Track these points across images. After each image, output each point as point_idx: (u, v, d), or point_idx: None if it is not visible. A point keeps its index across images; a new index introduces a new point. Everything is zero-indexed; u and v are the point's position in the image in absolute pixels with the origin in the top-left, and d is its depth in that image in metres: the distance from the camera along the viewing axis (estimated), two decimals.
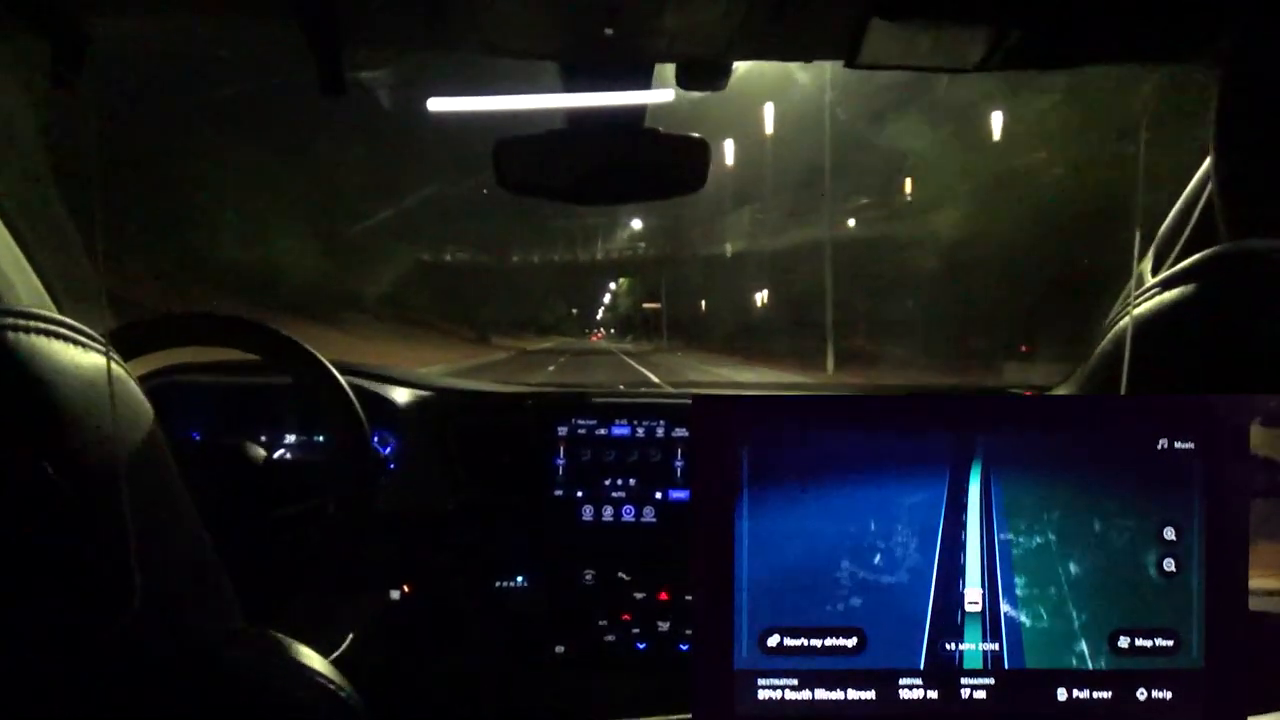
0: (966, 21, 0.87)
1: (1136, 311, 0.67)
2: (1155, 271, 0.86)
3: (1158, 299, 0.67)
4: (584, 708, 1.46)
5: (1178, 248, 0.90)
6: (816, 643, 0.57)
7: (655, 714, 1.33)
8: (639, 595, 1.46)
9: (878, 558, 0.57)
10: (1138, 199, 0.75)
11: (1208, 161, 0.87)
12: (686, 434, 1.50)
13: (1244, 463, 0.56)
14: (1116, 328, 0.71)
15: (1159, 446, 0.56)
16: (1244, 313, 0.62)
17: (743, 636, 0.57)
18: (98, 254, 0.59)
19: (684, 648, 1.44)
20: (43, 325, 0.48)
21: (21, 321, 0.47)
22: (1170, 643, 0.56)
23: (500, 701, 1.48)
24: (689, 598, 1.43)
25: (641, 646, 1.45)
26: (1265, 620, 0.59)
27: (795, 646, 0.57)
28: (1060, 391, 1.21)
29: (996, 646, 0.57)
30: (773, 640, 0.57)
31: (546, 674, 1.47)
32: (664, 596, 1.46)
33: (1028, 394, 1.44)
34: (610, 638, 1.46)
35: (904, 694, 0.57)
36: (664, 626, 1.45)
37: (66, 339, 0.49)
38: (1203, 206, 0.89)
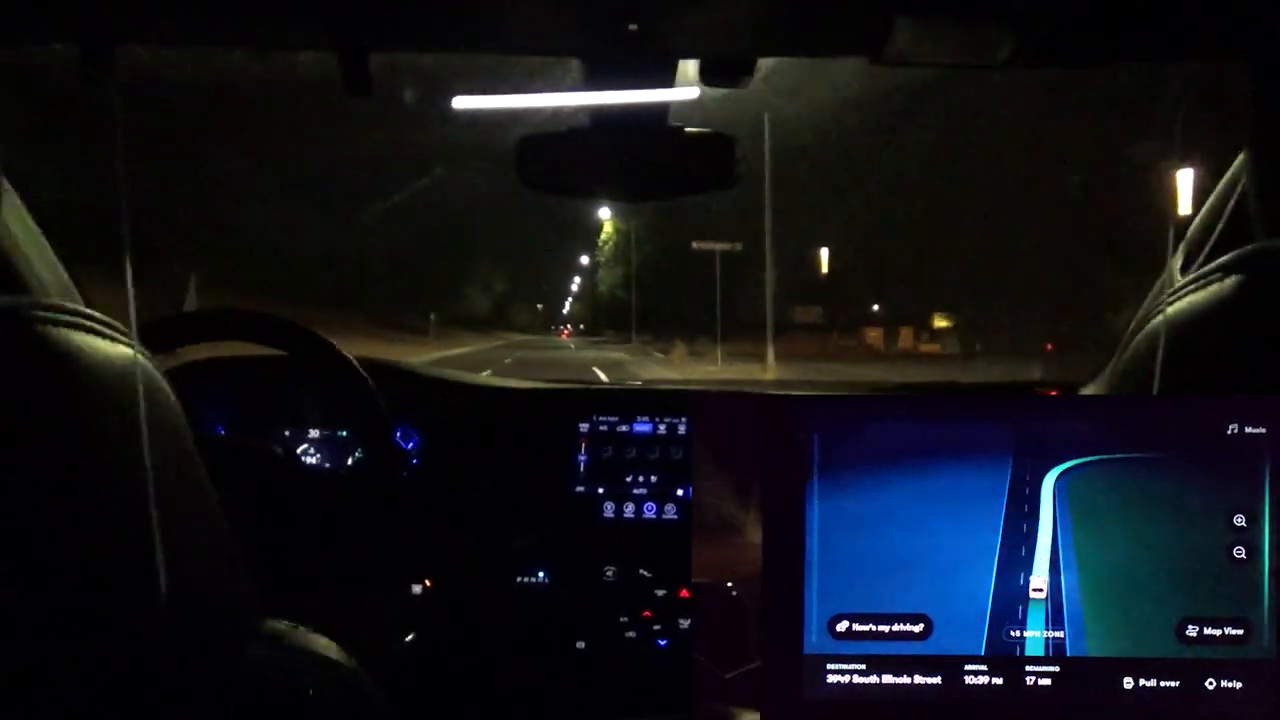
0: (993, 18, 0.86)
1: (1169, 310, 0.67)
2: (1185, 269, 0.86)
3: (1190, 297, 0.67)
4: (605, 704, 1.45)
5: (1209, 246, 0.90)
6: (884, 628, 0.57)
7: (676, 711, 1.33)
8: (660, 592, 1.46)
9: (942, 546, 0.57)
10: (1173, 197, 0.75)
11: (1240, 158, 0.87)
12: None
13: None
14: (1148, 326, 0.71)
15: (1229, 432, 0.56)
16: (1277, 312, 0.62)
17: (813, 622, 0.57)
18: (125, 249, 0.59)
19: None
20: (72, 318, 0.48)
21: (51, 315, 0.47)
22: (1240, 631, 0.56)
23: (520, 698, 1.48)
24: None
25: (663, 644, 1.45)
26: None
27: (864, 632, 0.57)
28: (1089, 390, 1.21)
29: (1061, 634, 0.57)
30: (841, 626, 0.57)
31: (567, 670, 1.47)
32: (685, 594, 1.46)
33: (1053, 393, 1.44)
34: (631, 634, 1.46)
35: (969, 680, 0.57)
36: (685, 624, 1.45)
37: (95, 332, 0.49)
38: (1234, 203, 0.89)
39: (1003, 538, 0.57)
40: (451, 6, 0.90)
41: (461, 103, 1.22)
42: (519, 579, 1.49)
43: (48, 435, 0.45)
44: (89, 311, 0.49)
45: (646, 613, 1.46)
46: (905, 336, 30.43)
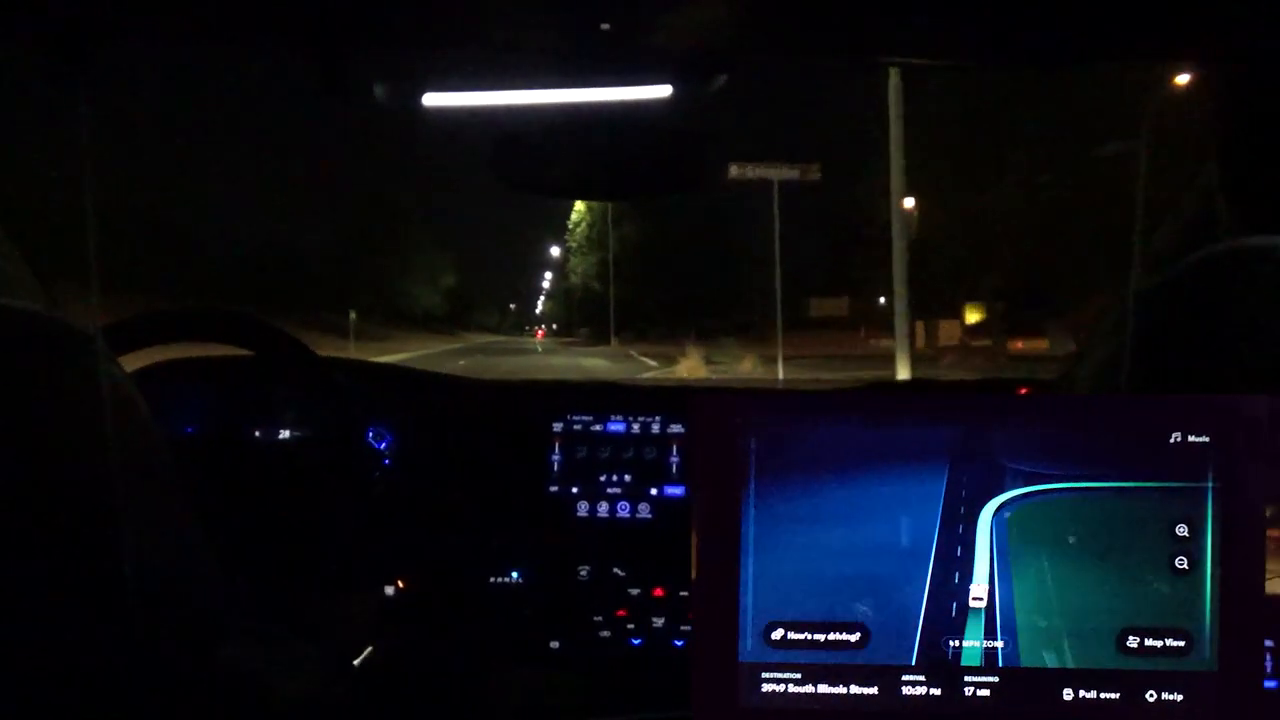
0: (970, 19, 0.86)
1: (1135, 310, 0.66)
2: (1156, 269, 0.86)
3: (1157, 297, 0.66)
4: (579, 704, 1.45)
5: (1178, 245, 0.90)
6: (820, 637, 0.56)
7: (650, 710, 1.33)
8: (634, 591, 1.46)
9: (881, 553, 0.56)
10: (1139, 196, 0.74)
11: (1211, 160, 0.86)
12: (682, 430, 1.49)
13: (1260, 458, 0.54)
14: (1116, 325, 0.70)
15: (1172, 440, 0.55)
16: (1244, 311, 0.61)
17: (747, 629, 0.56)
18: (90, 250, 0.58)
19: (679, 644, 1.43)
20: (38, 323, 0.48)
21: (17, 320, 0.47)
22: (1182, 643, 0.55)
23: (495, 697, 1.47)
24: (684, 594, 1.43)
25: (636, 642, 1.44)
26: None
27: (800, 640, 0.56)
28: (1056, 389, 1.21)
29: (1000, 644, 0.56)
30: (777, 634, 0.56)
31: (541, 670, 1.46)
32: (659, 593, 1.45)
33: (1024, 390, 1.43)
34: (605, 634, 1.45)
35: (906, 690, 0.56)
36: (659, 623, 1.44)
37: (59, 336, 0.49)
38: (1204, 203, 0.88)
39: (939, 545, 0.56)
40: (424, 3, 0.90)
41: (433, 100, 1.21)
42: (492, 579, 1.48)
43: (10, 437, 0.45)
44: (52, 315, 0.49)
45: (621, 612, 1.46)
46: (949, 331, 24.34)
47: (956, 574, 0.56)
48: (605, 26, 0.94)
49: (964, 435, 0.56)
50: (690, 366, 18.27)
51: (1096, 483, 0.55)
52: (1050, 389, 1.31)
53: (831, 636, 0.56)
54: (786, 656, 0.56)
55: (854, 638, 0.56)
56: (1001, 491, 0.56)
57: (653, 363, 21.09)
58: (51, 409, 0.47)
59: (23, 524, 0.45)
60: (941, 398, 0.57)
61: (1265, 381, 0.58)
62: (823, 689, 0.56)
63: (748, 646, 0.56)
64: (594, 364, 21.43)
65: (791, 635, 0.56)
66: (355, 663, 1.26)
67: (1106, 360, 0.70)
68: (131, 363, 1.24)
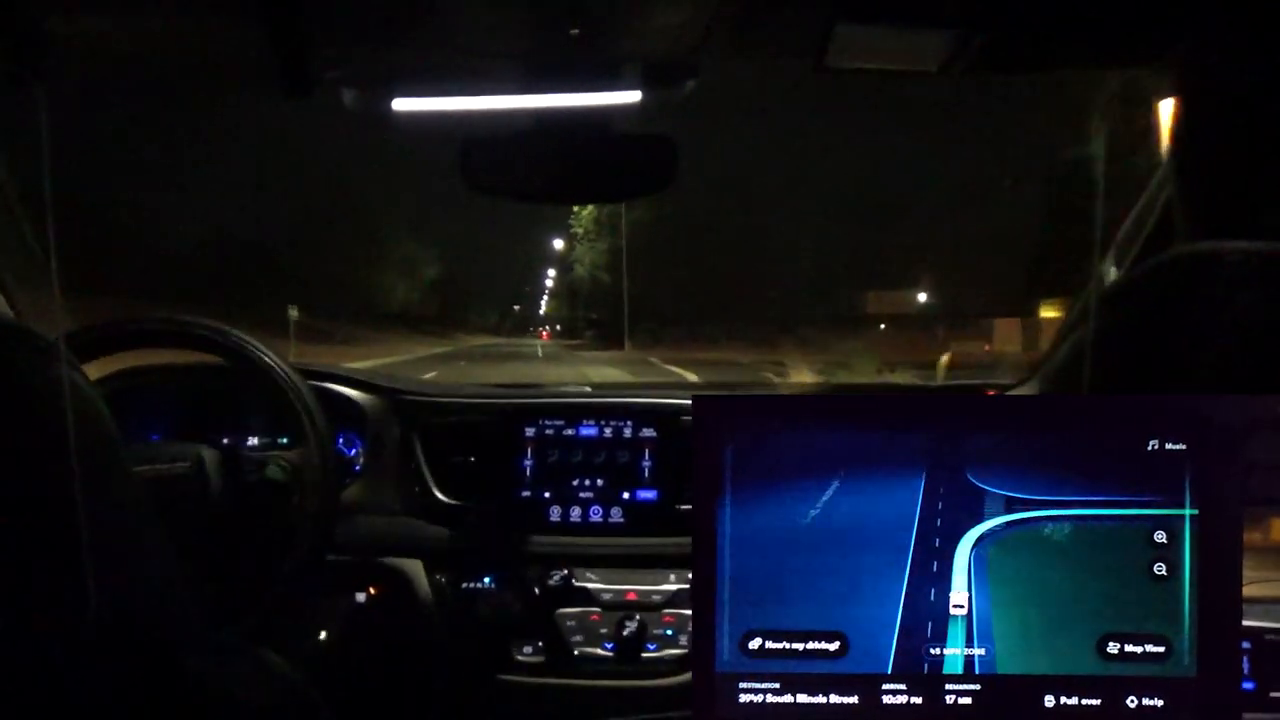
0: (931, 25, 0.87)
1: (1095, 313, 0.67)
2: (1116, 269, 0.86)
3: (1116, 299, 0.66)
4: (552, 710, 1.43)
5: (1136, 249, 0.91)
6: (798, 646, 0.55)
7: (623, 715, 1.31)
8: (606, 596, 1.44)
9: (860, 561, 0.55)
10: (1098, 202, 0.75)
11: (1165, 164, 0.87)
12: (654, 434, 1.48)
13: (1236, 465, 0.54)
14: (1078, 327, 0.71)
15: (1149, 448, 0.55)
16: (1200, 314, 0.61)
17: (724, 639, 0.55)
18: (50, 258, 0.57)
19: (651, 648, 1.42)
20: None
21: None
22: (1161, 649, 0.55)
23: (467, 704, 1.45)
24: (656, 598, 1.41)
25: (609, 647, 1.42)
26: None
27: (777, 650, 0.55)
28: (1022, 391, 1.21)
29: (981, 651, 0.56)
30: (754, 643, 0.55)
31: (514, 675, 1.44)
32: (631, 597, 1.44)
33: (990, 393, 1.44)
34: (578, 638, 1.43)
35: (887, 699, 0.55)
36: (631, 628, 1.42)
37: (20, 343, 0.48)
38: (1161, 208, 0.89)
39: (915, 554, 0.55)
40: (393, 6, 0.89)
41: (402, 104, 1.19)
42: (465, 584, 1.46)
43: None
44: (13, 322, 0.48)
45: (594, 616, 1.44)
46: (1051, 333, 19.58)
47: (938, 581, 0.55)
48: (575, 32, 0.93)
49: (938, 441, 0.55)
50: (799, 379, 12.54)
51: (1074, 501, 0.55)
52: (1010, 392, 1.31)
53: (810, 646, 0.55)
54: (764, 666, 0.55)
55: (833, 646, 0.55)
56: (980, 519, 0.56)
57: (691, 375, 13.77)
58: (12, 416, 0.46)
59: None
60: (915, 402, 0.56)
61: (1219, 381, 0.58)
62: (802, 699, 0.55)
63: (724, 657, 0.55)
64: (611, 375, 14.56)
65: (770, 645, 0.55)
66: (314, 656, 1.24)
67: (1067, 362, 0.71)
68: (96, 369, 1.22)
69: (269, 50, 0.92)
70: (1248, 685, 0.57)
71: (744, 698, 0.55)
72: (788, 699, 0.55)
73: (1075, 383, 0.66)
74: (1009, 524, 0.55)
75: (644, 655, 1.42)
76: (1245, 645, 0.57)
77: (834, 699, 0.55)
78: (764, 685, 0.55)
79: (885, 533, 0.55)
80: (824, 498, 0.55)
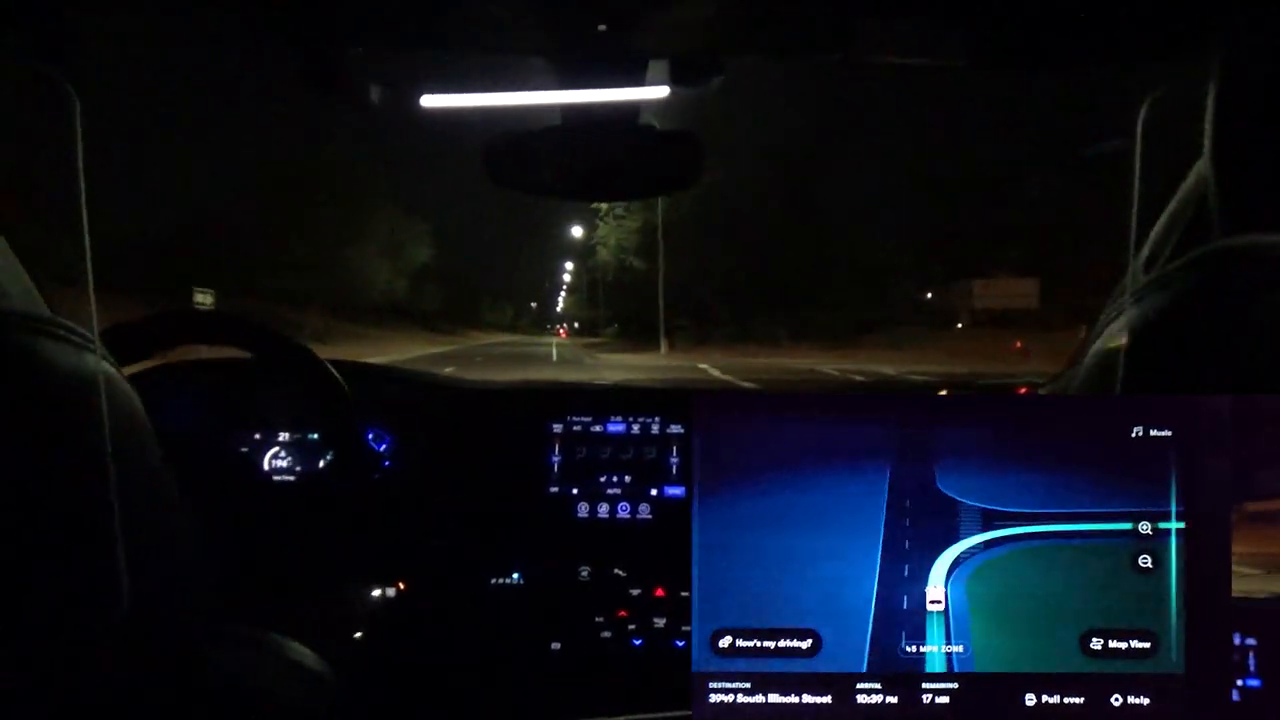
0: (958, 20, 0.86)
1: (1130, 310, 0.64)
2: (1149, 269, 0.83)
3: (1151, 297, 0.64)
4: (581, 704, 1.44)
5: (1171, 245, 0.88)
6: (770, 644, 0.54)
7: (652, 710, 1.31)
8: (635, 591, 1.44)
9: (831, 557, 0.54)
10: (1133, 196, 0.72)
11: (1202, 158, 0.84)
12: (681, 430, 1.48)
13: (1225, 452, 0.52)
14: (1111, 326, 0.68)
15: (1133, 435, 0.53)
16: (1237, 311, 0.59)
17: (695, 638, 0.54)
18: (85, 253, 0.58)
19: (679, 644, 1.41)
20: (35, 325, 0.49)
21: (14, 322, 0.47)
22: (1147, 645, 0.53)
23: (496, 699, 1.47)
24: (684, 594, 1.41)
25: (637, 643, 1.43)
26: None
27: (748, 648, 0.54)
28: (1052, 388, 1.18)
29: (959, 649, 0.54)
30: (724, 642, 0.54)
31: (543, 671, 1.45)
32: (660, 593, 1.44)
33: (1022, 390, 1.40)
34: (606, 634, 1.44)
35: (861, 699, 0.54)
36: (660, 623, 1.42)
37: (58, 338, 0.49)
38: (1197, 203, 0.86)
39: (886, 547, 0.54)
40: (420, 4, 0.90)
41: (430, 101, 1.21)
42: (493, 580, 1.48)
43: (9, 441, 0.45)
44: (51, 318, 0.50)
45: (622, 612, 1.44)
46: None
47: (913, 576, 0.54)
48: (602, 28, 0.94)
49: (910, 436, 0.54)
50: None
51: (1055, 515, 0.53)
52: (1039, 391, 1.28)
53: (781, 644, 0.54)
54: (735, 665, 0.54)
55: (805, 645, 0.54)
56: (958, 488, 0.54)
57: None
58: (45, 407, 0.47)
59: (17, 526, 0.45)
60: (884, 399, 0.55)
61: (1261, 381, 0.56)
62: (773, 698, 0.54)
63: (695, 655, 0.54)
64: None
65: (740, 643, 0.54)
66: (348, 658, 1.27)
67: (1101, 358, 0.69)
68: (131, 365, 1.26)
69: (296, 49, 0.94)
70: (1253, 683, 0.54)
71: (714, 698, 0.54)
72: (759, 699, 0.54)
73: (1109, 380, 0.64)
74: (987, 543, 0.54)
75: (673, 650, 1.42)
76: (1252, 641, 0.54)
77: (807, 699, 0.54)
78: (734, 685, 0.54)
79: (856, 529, 0.54)
80: (793, 494, 0.54)
